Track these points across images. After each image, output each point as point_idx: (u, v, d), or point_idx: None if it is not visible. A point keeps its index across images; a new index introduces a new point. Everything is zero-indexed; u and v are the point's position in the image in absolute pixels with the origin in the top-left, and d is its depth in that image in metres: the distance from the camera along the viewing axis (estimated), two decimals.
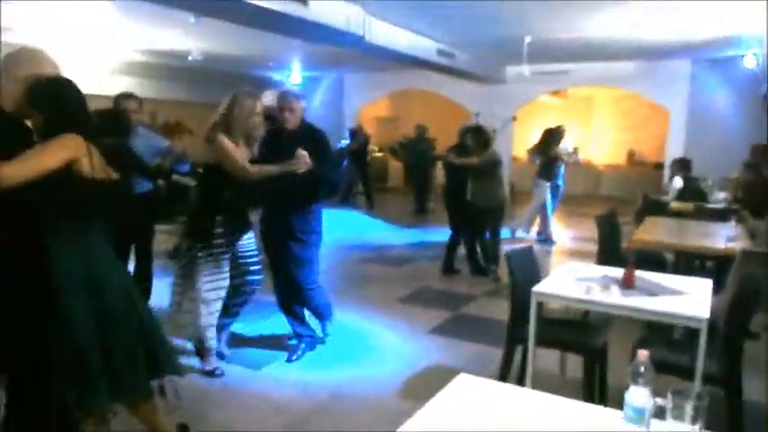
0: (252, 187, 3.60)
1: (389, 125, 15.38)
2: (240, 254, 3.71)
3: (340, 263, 6.85)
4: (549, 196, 8.29)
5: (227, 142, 3.45)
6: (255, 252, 3.82)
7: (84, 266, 2.17)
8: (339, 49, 8.11)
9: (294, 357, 3.93)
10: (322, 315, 4.17)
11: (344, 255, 7.33)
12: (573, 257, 7.31)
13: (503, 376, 3.22)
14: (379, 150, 14.53)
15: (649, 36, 8.02)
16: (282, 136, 3.80)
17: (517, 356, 3.27)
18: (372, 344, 4.33)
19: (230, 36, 8.10)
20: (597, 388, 3.27)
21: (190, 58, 7.88)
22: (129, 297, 2.30)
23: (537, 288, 2.98)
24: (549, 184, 8.20)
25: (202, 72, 10.39)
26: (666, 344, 3.09)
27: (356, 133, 10.86)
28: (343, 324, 4.69)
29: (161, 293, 5.16)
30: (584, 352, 3.05)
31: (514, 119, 11.57)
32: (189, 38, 7.90)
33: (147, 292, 4.64)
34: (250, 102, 3.54)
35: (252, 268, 3.77)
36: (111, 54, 9.86)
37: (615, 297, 2.87)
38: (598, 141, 15.41)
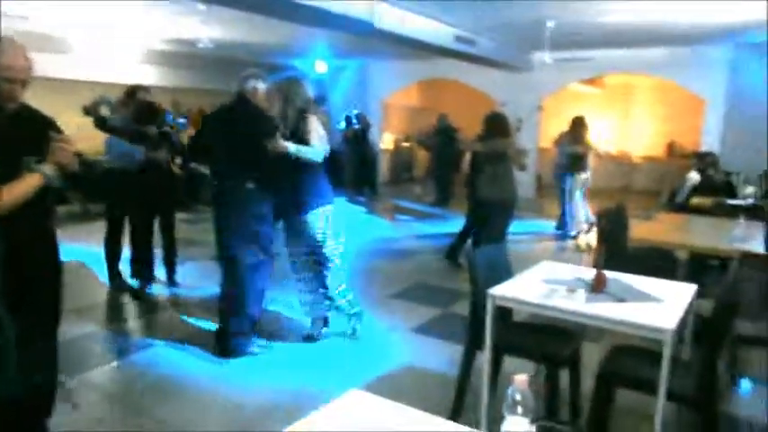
0: None
1: (420, 115, 15.07)
2: None
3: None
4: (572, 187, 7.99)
5: None
6: None
7: None
8: (358, 36, 7.96)
9: None
10: None
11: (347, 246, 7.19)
12: (588, 255, 6.95)
13: (461, 382, 3.00)
14: (406, 140, 14.29)
15: (684, 19, 7.48)
16: None
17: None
18: (349, 340, 4.17)
19: (245, 23, 8.02)
20: (569, 399, 3.03)
21: (200, 45, 7.87)
22: None
23: (494, 290, 2.74)
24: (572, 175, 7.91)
25: (220, 60, 10.40)
26: (642, 354, 2.80)
27: (350, 119, 10.63)
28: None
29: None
30: (543, 360, 2.81)
31: (540, 108, 11.12)
32: (203, 26, 7.88)
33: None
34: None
35: None
36: (135, 44, 9.97)
37: (576, 303, 2.60)
38: (638, 133, 14.70)
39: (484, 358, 2.81)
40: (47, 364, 2.50)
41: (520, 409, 1.33)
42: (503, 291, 2.75)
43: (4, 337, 2.11)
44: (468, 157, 6.26)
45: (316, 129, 3.83)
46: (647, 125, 14.52)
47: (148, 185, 5.01)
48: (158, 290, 5.17)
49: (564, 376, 2.99)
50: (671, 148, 13.94)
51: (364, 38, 8.21)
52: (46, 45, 8.66)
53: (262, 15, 6.66)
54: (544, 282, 2.90)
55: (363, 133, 10.65)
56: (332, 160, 11.65)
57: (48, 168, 2.20)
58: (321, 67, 12.35)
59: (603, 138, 13.91)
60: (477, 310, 2.88)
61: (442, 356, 3.85)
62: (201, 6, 6.96)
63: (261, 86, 3.79)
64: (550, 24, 7.84)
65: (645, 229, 4.74)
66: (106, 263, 5.13)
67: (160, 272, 5.30)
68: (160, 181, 5.11)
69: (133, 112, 5.12)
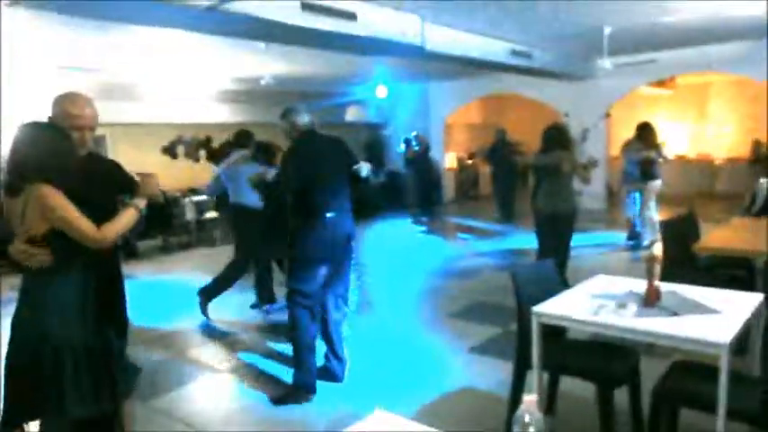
0: None
1: (482, 132, 14.98)
2: None
3: (400, 276, 6.73)
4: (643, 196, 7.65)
5: None
6: None
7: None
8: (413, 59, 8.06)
9: None
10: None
11: (406, 267, 7.22)
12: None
13: (513, 404, 2.92)
14: (469, 158, 14.20)
15: (757, 11, 7.03)
16: None
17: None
18: (404, 361, 4.19)
19: (303, 57, 8.31)
20: (632, 419, 2.88)
21: (262, 82, 8.23)
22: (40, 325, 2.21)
23: (538, 308, 2.67)
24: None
25: (281, 94, 10.81)
26: (703, 370, 2.63)
27: (410, 141, 10.66)
28: (380, 339, 4.59)
29: None
30: (596, 380, 2.69)
31: (608, 115, 10.74)
32: (264, 63, 8.25)
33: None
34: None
35: None
36: (204, 85, 10.55)
37: (624, 318, 2.49)
38: (717, 133, 13.87)
39: (533, 379, 2.74)
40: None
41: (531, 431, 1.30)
42: (547, 308, 2.68)
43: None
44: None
45: None
46: (727, 125, 13.66)
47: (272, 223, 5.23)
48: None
49: (623, 396, 2.85)
50: (756, 148, 13.02)
51: (420, 60, 8.33)
52: (122, 94, 9.36)
53: (316, 49, 6.92)
54: (593, 297, 2.80)
55: (424, 155, 10.69)
56: (392, 182, 11.66)
57: (140, 202, 2.42)
58: (382, 92, 12.54)
59: (675, 141, 13.27)
60: (523, 329, 2.81)
61: (499, 377, 3.75)
62: (261, 45, 7.30)
63: (306, 119, 3.89)
64: (608, 30, 7.62)
65: (719, 237, 4.45)
66: (206, 295, 5.33)
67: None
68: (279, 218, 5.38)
69: (254, 153, 5.50)
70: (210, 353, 4.63)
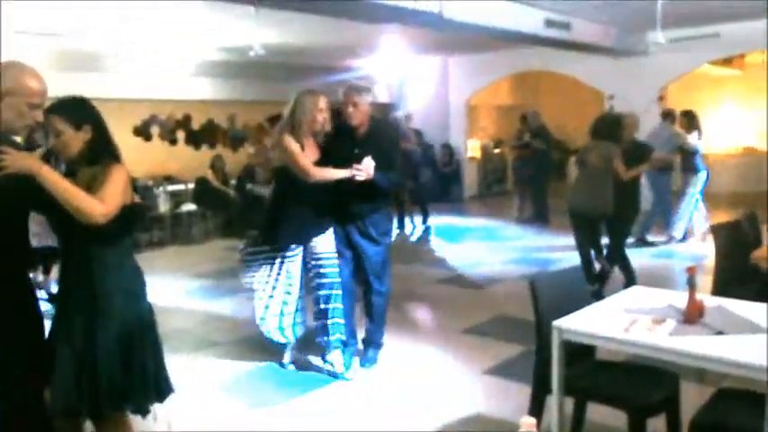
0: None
1: (513, 115, 15.00)
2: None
3: (408, 283, 6.79)
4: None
5: (292, 143, 3.91)
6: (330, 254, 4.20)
7: (123, 281, 2.60)
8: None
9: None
10: (371, 340, 4.51)
11: (418, 273, 7.30)
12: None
13: None
14: (495, 146, 14.23)
15: None
16: (347, 133, 4.14)
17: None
18: (410, 384, 4.25)
19: (300, 24, 8.38)
20: None
21: (251, 53, 8.31)
22: (150, 313, 2.71)
23: (560, 322, 2.72)
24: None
25: (275, 66, 10.88)
26: (752, 399, 2.66)
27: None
28: (385, 358, 4.66)
29: None
30: (628, 407, 2.74)
31: (661, 99, 10.73)
32: (255, 31, 8.31)
33: None
34: (311, 99, 3.96)
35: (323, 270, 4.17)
36: (186, 56, 10.63)
37: (657, 336, 2.54)
38: None
39: (554, 402, 2.79)
40: None
41: None
42: (571, 322, 2.73)
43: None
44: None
45: None
46: None
47: None
48: None
49: (660, 426, 2.91)
50: None
51: (438, 31, 8.36)
52: (87, 64, 9.47)
53: (315, 15, 6.98)
54: (626, 311, 2.85)
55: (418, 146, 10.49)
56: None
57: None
58: (392, 67, 12.58)
59: (743, 130, 13.28)
60: (543, 347, 2.86)
61: (518, 403, 3.79)
62: (251, 9, 7.36)
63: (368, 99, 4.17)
64: None
65: None
66: None
67: None
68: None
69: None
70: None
